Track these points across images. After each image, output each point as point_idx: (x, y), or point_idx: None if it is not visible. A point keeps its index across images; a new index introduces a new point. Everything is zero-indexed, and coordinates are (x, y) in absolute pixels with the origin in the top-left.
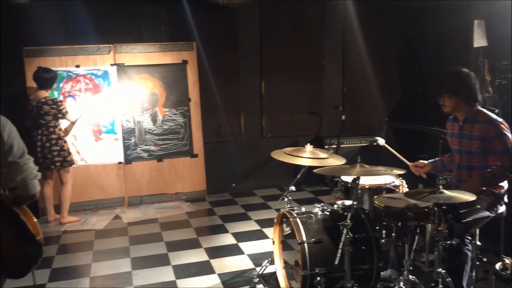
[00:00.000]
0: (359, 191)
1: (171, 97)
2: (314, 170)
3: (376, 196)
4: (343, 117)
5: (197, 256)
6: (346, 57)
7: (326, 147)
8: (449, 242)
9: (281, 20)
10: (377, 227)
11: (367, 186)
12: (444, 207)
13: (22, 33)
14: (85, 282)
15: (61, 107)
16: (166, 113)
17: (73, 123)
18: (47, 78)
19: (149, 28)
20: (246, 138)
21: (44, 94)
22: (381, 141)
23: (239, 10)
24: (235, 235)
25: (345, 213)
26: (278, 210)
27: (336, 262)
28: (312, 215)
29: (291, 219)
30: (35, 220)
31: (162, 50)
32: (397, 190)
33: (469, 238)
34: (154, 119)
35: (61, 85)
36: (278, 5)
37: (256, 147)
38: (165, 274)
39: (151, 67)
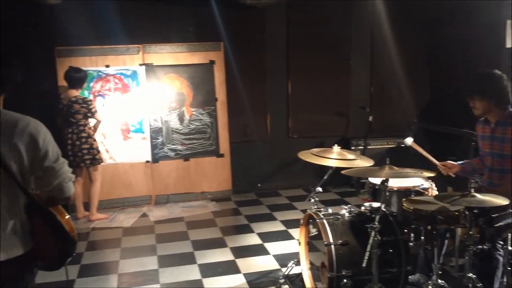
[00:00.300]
0: (387, 193)
1: (198, 97)
2: (342, 172)
3: (404, 199)
4: (370, 118)
5: (222, 255)
6: (374, 56)
7: (352, 148)
8: (480, 246)
9: (308, 20)
10: (406, 230)
11: (395, 188)
12: (475, 211)
13: (54, 33)
14: (113, 279)
15: (91, 106)
16: (193, 112)
17: (99, 122)
18: (77, 78)
19: (177, 29)
20: (272, 138)
21: (75, 93)
22: (408, 140)
23: (266, 9)
24: (261, 235)
25: (373, 215)
26: (303, 211)
27: (364, 265)
28: (339, 216)
29: (318, 220)
30: (68, 216)
31: (189, 50)
32: (426, 192)
33: (501, 243)
34: (181, 119)
35: (91, 84)
36: (306, 4)
37: (282, 147)
38: (191, 272)
39: (178, 67)
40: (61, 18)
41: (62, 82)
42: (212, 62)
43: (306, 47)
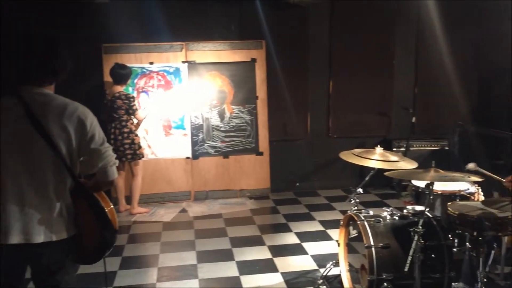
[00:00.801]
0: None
1: (239, 94)
2: (386, 173)
3: (450, 203)
4: (414, 119)
5: (260, 253)
6: (419, 56)
7: (394, 149)
8: None
9: (352, 18)
10: (450, 236)
11: (439, 192)
12: None
13: (101, 30)
14: (153, 272)
15: (132, 103)
16: (234, 110)
17: (141, 120)
18: (122, 74)
19: (220, 27)
20: (312, 137)
21: (119, 89)
22: (472, 165)
23: (309, 8)
24: (299, 234)
25: (416, 219)
26: (342, 211)
27: (406, 269)
28: (381, 219)
29: (358, 222)
30: (112, 207)
31: (232, 48)
32: (472, 197)
33: None
34: (221, 116)
35: (135, 81)
36: (350, 2)
37: (322, 147)
38: (229, 269)
39: (220, 64)
40: (109, 16)
41: (107, 78)
42: (253, 60)
43: (349, 45)
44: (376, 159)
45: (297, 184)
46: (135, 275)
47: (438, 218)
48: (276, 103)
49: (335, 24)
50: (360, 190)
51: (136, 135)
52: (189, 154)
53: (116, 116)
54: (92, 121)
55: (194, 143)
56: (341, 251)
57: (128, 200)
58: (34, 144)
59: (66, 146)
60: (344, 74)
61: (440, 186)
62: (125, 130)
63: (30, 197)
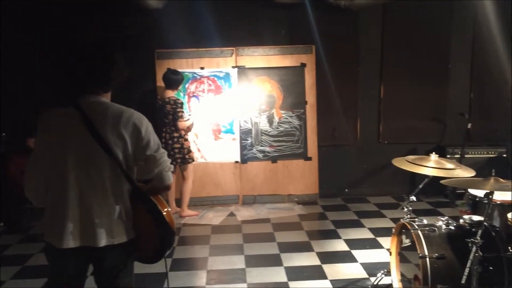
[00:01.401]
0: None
1: (288, 99)
2: (442, 182)
3: (510, 213)
4: (469, 125)
5: (309, 259)
6: (475, 60)
7: (448, 156)
8: None
9: (405, 22)
10: (510, 248)
11: (498, 202)
12: None
13: (155, 36)
14: (202, 275)
15: (178, 109)
16: (283, 115)
17: (186, 128)
18: (174, 79)
19: (270, 32)
20: (362, 143)
21: (170, 94)
22: None
23: (360, 11)
24: (348, 241)
25: (474, 229)
26: (393, 219)
27: (463, 281)
28: (435, 228)
29: (412, 231)
30: (168, 209)
31: (281, 53)
32: None
33: None
34: (270, 121)
35: (186, 85)
36: (403, 5)
37: (372, 152)
38: (278, 274)
39: (270, 69)
40: (161, 22)
41: (160, 83)
42: (303, 65)
43: (402, 49)
44: (431, 166)
45: (346, 190)
46: (185, 277)
47: (497, 229)
48: (325, 108)
49: (387, 28)
50: (413, 198)
51: (186, 140)
52: (238, 159)
53: (167, 121)
54: (147, 128)
55: (243, 148)
56: (392, 260)
57: (178, 202)
58: (93, 151)
59: (123, 152)
60: (396, 78)
61: (498, 195)
62: (175, 134)
63: (91, 202)
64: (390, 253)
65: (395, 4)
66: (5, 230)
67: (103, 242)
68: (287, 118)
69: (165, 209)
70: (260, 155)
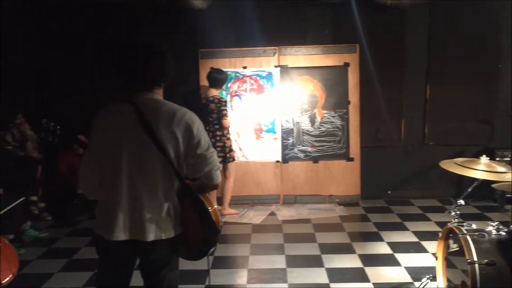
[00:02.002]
0: None
1: (331, 99)
2: (494, 185)
3: None
4: None
5: (350, 261)
6: None
7: (497, 159)
8: None
9: (453, 20)
10: None
11: None
12: None
13: (198, 36)
14: (243, 273)
15: (222, 108)
16: (325, 115)
17: (227, 127)
18: (218, 78)
19: (313, 31)
20: (406, 144)
21: (214, 92)
22: None
23: (407, 10)
24: (391, 244)
25: None
26: (438, 223)
27: None
28: (485, 233)
29: (460, 236)
30: (215, 207)
31: (324, 52)
32: None
33: None
34: (312, 121)
35: (229, 85)
36: (451, 4)
37: (416, 154)
38: (319, 275)
39: (312, 69)
40: (205, 22)
41: (203, 82)
42: (346, 65)
43: (449, 49)
44: (482, 169)
45: (389, 192)
46: (226, 275)
47: None
48: (369, 108)
49: (435, 26)
50: (461, 201)
51: (228, 139)
52: (279, 158)
53: (210, 120)
54: (198, 127)
55: (284, 147)
56: (438, 265)
57: (219, 201)
58: (146, 147)
59: (174, 150)
60: (444, 78)
61: None
62: (218, 133)
63: (142, 197)
64: (436, 258)
65: (443, 3)
66: (53, 223)
67: (151, 236)
68: (329, 118)
69: (212, 207)
70: (301, 155)
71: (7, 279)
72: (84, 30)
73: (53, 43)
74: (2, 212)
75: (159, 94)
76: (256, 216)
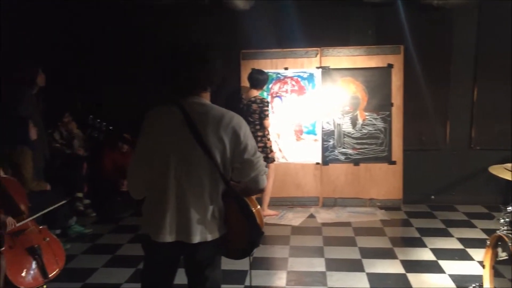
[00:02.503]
0: None
1: (373, 101)
2: None
3: None
4: None
5: (392, 267)
6: None
7: None
8: None
9: (502, 20)
10: None
11: None
12: None
13: (240, 37)
14: (282, 275)
15: (265, 108)
16: (367, 117)
17: (267, 128)
18: (260, 79)
19: (356, 32)
20: (451, 148)
21: (255, 93)
22: None
23: (454, 10)
24: (434, 251)
25: None
26: (485, 230)
27: None
28: None
29: (510, 244)
30: (259, 208)
31: (367, 53)
32: None
33: None
34: (353, 123)
35: (270, 86)
36: (500, 3)
37: (462, 158)
38: (360, 280)
39: (355, 70)
40: (247, 23)
41: (245, 83)
42: (390, 66)
43: (499, 50)
44: None
45: (432, 197)
46: (265, 276)
47: None
48: (412, 110)
49: (483, 26)
50: (511, 208)
51: (269, 139)
52: (319, 160)
53: (251, 120)
54: (245, 131)
55: (324, 149)
56: (486, 274)
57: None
58: (193, 151)
59: (221, 155)
60: (492, 79)
61: None
62: (259, 134)
63: (188, 199)
64: (484, 266)
65: (492, 2)
66: (97, 220)
67: (197, 238)
68: (371, 120)
69: (256, 208)
70: (342, 157)
71: (54, 272)
72: (129, 31)
73: (100, 44)
74: (50, 209)
75: (206, 98)
76: (295, 218)
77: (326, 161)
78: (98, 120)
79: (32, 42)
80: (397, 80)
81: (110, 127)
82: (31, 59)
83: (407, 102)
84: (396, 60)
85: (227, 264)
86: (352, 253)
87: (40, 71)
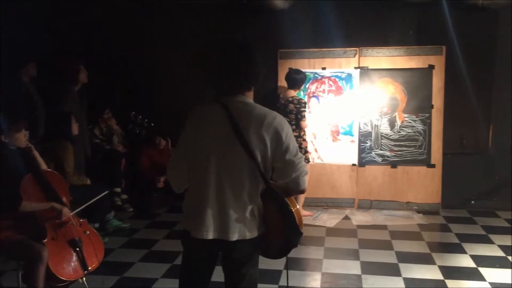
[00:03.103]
0: None
1: (412, 102)
2: None
3: None
4: None
5: (430, 272)
6: None
7: None
8: None
9: None
10: None
11: None
12: None
13: (278, 36)
14: (316, 276)
15: (302, 109)
16: (405, 118)
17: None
18: (297, 79)
19: (396, 32)
20: (494, 152)
21: (292, 93)
22: None
23: (500, 11)
24: (474, 258)
25: None
26: None
27: None
28: None
29: None
30: (298, 208)
31: (407, 54)
32: None
33: None
34: (392, 124)
35: (307, 85)
36: None
37: (505, 163)
38: (396, 285)
39: (394, 71)
40: (285, 22)
41: (282, 83)
42: (431, 67)
43: None
44: None
45: (473, 202)
46: (299, 277)
47: None
48: (454, 113)
49: None
50: None
51: (304, 140)
52: (355, 161)
53: (288, 120)
54: (287, 132)
55: (361, 151)
56: None
57: None
58: (234, 149)
59: (262, 154)
60: None
61: None
62: (294, 134)
63: (228, 197)
64: None
65: None
66: (134, 215)
67: (236, 236)
68: (410, 122)
69: (295, 209)
70: (379, 159)
71: (94, 265)
72: (169, 29)
73: (142, 43)
74: (92, 201)
75: (249, 97)
76: (330, 219)
77: (362, 162)
78: (140, 117)
79: (76, 39)
80: (438, 82)
81: (152, 124)
82: (74, 56)
83: (448, 104)
84: (438, 61)
85: (261, 263)
86: (388, 257)
87: (82, 68)
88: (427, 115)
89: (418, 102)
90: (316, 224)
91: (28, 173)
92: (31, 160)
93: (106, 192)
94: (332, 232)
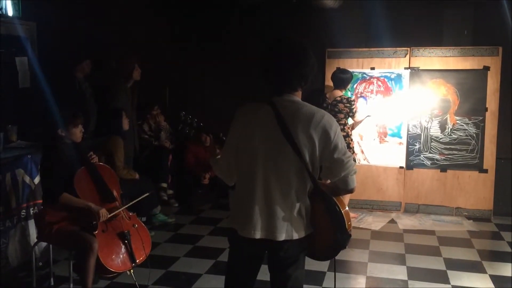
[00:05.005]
0: None
1: (465, 105)
2: None
3: None
4: None
5: (481, 281)
6: None
7: None
8: None
9: None
10: None
11: None
12: None
13: (326, 35)
14: (361, 280)
15: (353, 106)
16: (457, 121)
17: (358, 122)
18: (343, 79)
19: (450, 32)
20: None
21: (339, 93)
22: None
23: None
24: None
25: None
26: None
27: None
28: None
29: None
30: (347, 209)
31: (461, 55)
32: None
33: None
34: (442, 127)
35: (355, 85)
36: None
37: None
38: None
39: (446, 72)
40: (334, 21)
41: (328, 82)
42: (486, 68)
43: None
44: None
45: None
46: (344, 280)
47: None
48: (509, 116)
49: None
50: None
51: (352, 140)
52: (403, 164)
53: (336, 120)
54: (336, 131)
55: (409, 153)
56: None
57: None
58: (282, 148)
59: (310, 153)
60: None
61: None
62: (343, 133)
63: (275, 196)
64: None
65: None
66: (180, 210)
67: (283, 236)
68: (462, 125)
69: (344, 210)
70: (427, 162)
71: (141, 258)
72: (217, 28)
73: (191, 41)
74: (142, 197)
75: (298, 96)
76: (375, 222)
77: (410, 165)
78: (190, 116)
79: (131, 37)
80: (493, 84)
81: (201, 123)
82: (129, 53)
83: (504, 107)
84: (493, 62)
85: (306, 264)
86: (436, 263)
87: (136, 66)
88: (481, 118)
89: (472, 105)
90: (361, 226)
91: (82, 167)
92: (85, 154)
93: (156, 186)
94: (377, 235)
